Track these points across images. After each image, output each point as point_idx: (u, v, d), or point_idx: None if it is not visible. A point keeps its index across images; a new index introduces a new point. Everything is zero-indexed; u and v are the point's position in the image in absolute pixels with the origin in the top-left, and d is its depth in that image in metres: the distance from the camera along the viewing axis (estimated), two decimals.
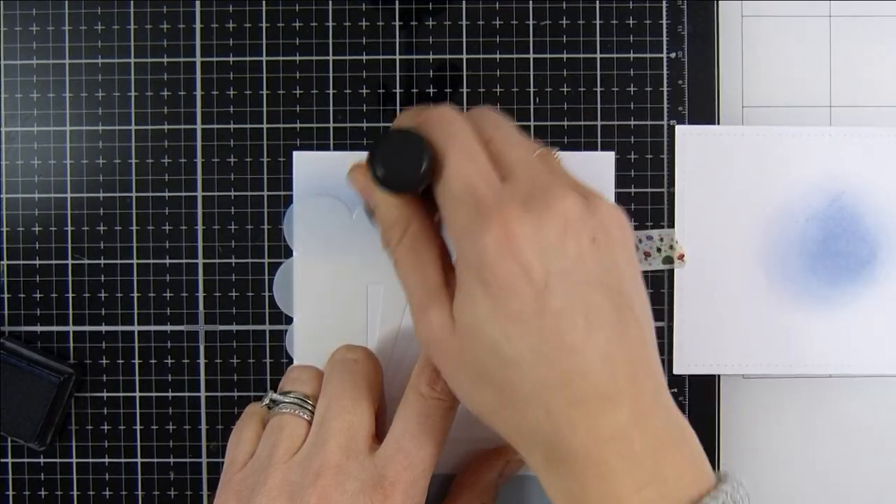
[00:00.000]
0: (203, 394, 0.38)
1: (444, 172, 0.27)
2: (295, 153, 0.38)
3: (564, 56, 0.38)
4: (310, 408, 0.32)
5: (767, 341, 0.37)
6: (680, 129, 0.37)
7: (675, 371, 0.37)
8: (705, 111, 0.37)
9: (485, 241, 0.25)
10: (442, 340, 0.28)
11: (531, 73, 0.38)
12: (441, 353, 0.29)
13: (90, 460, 0.38)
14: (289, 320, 0.38)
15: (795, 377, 0.38)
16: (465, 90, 0.38)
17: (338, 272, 0.37)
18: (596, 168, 0.37)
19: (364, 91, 0.38)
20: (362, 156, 0.37)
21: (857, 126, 0.38)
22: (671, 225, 0.37)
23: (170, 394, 0.38)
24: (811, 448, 0.39)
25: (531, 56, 0.38)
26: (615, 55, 0.38)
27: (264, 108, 0.38)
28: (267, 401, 0.33)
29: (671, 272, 0.37)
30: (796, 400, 0.39)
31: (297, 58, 0.38)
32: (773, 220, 0.37)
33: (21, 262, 0.38)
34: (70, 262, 0.38)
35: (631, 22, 0.38)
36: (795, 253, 0.37)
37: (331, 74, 0.38)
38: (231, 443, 0.33)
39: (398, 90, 0.38)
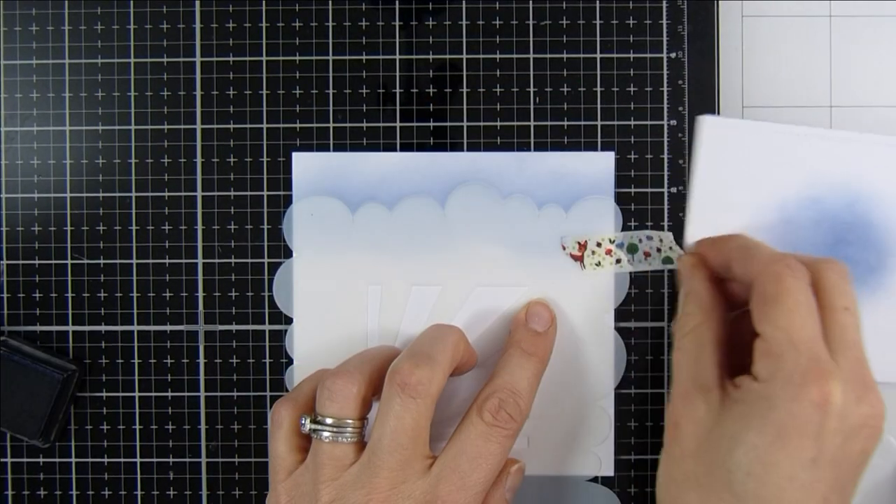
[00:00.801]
0: (202, 394, 0.38)
1: (782, 317, 0.29)
2: (294, 154, 0.38)
3: (564, 56, 0.38)
4: (350, 431, 0.32)
5: None
6: (707, 121, 0.37)
7: None
8: (705, 111, 0.37)
9: (805, 395, 0.28)
10: (694, 432, 0.30)
11: (531, 73, 0.38)
12: (684, 440, 0.30)
13: (89, 460, 0.38)
14: (289, 320, 0.38)
15: None
16: (465, 90, 0.38)
17: (338, 272, 0.37)
18: (596, 168, 0.37)
19: (364, 91, 0.38)
20: (362, 156, 0.37)
21: (887, 135, 0.37)
22: (675, 222, 0.37)
23: (169, 394, 0.38)
24: None
25: (531, 56, 0.38)
26: (615, 55, 0.38)
27: (264, 108, 0.38)
28: (307, 428, 0.32)
29: (672, 272, 0.37)
30: None
31: (297, 58, 0.38)
32: (786, 221, 0.37)
33: (21, 261, 0.38)
34: (70, 261, 0.38)
35: (631, 22, 0.38)
36: (807, 254, 0.37)
37: (331, 74, 0.38)
38: (269, 453, 0.34)
39: (398, 90, 0.38)
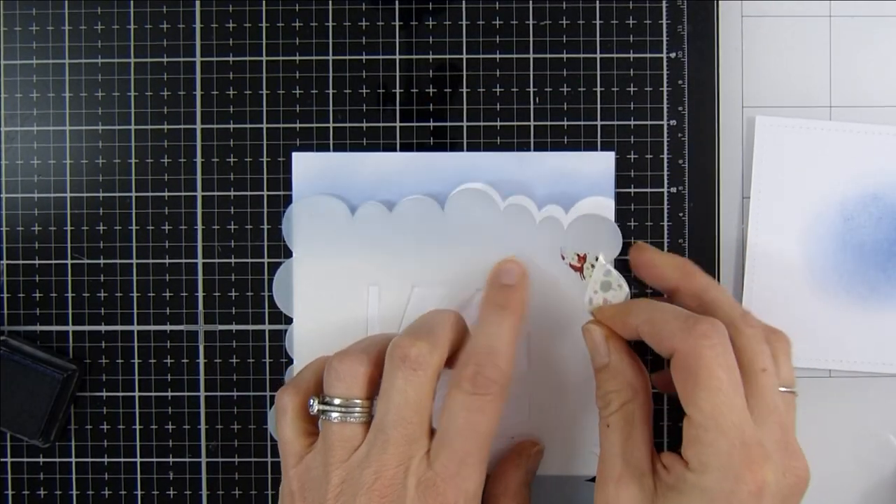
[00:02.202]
0: (202, 394, 0.38)
1: (706, 399, 0.29)
2: (294, 154, 0.38)
3: (564, 56, 0.38)
4: (358, 411, 0.31)
5: (835, 338, 0.38)
6: (763, 120, 0.37)
7: None
8: (705, 111, 0.37)
9: (742, 486, 0.28)
10: None
11: (531, 73, 0.38)
12: None
13: (89, 460, 0.38)
14: (289, 320, 0.38)
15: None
16: (465, 90, 0.38)
17: (337, 272, 0.37)
18: (596, 168, 0.37)
19: (364, 91, 0.38)
20: (362, 156, 0.37)
21: None
22: (675, 222, 0.37)
23: (169, 394, 0.38)
24: (811, 447, 0.38)
25: (531, 56, 0.38)
26: (615, 55, 0.38)
27: (264, 108, 0.38)
28: (315, 409, 0.32)
29: None
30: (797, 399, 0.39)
31: (297, 58, 0.38)
32: (847, 219, 0.37)
33: (21, 261, 0.38)
34: (70, 261, 0.38)
35: (631, 22, 0.38)
36: (868, 251, 0.37)
37: (331, 74, 0.38)
38: (279, 441, 0.33)
39: (398, 90, 0.38)
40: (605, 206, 0.37)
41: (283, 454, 0.33)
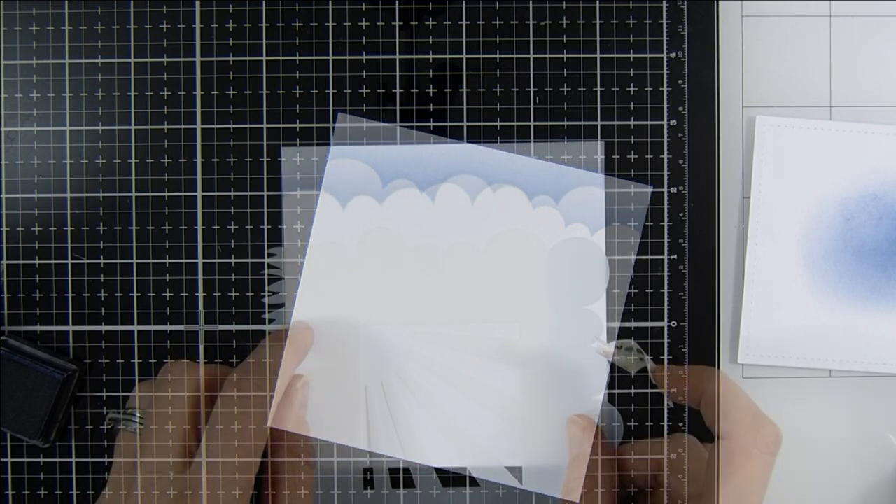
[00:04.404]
0: (202, 394, 0.38)
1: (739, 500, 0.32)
2: (282, 149, 0.38)
3: (564, 56, 0.38)
4: None
5: (835, 338, 0.38)
6: (763, 120, 0.37)
7: (741, 360, 0.38)
8: (705, 111, 0.37)
9: None
10: None
11: (531, 73, 0.38)
12: None
13: (90, 460, 0.38)
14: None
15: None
16: (465, 90, 0.38)
17: (328, 266, 0.37)
18: (585, 158, 0.37)
19: (364, 91, 0.38)
20: (350, 149, 0.38)
21: None
22: (675, 222, 0.37)
23: (169, 394, 0.38)
24: (811, 447, 0.39)
25: (531, 56, 0.38)
26: (615, 55, 0.38)
27: (264, 108, 0.38)
28: None
29: (673, 273, 0.37)
30: (796, 399, 0.39)
31: (297, 58, 0.38)
32: (847, 218, 0.37)
33: (20, 261, 0.38)
34: (69, 261, 0.38)
35: (631, 22, 0.38)
36: (868, 251, 0.37)
37: (331, 74, 0.38)
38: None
39: (398, 90, 0.38)
40: (596, 195, 0.37)
41: None
